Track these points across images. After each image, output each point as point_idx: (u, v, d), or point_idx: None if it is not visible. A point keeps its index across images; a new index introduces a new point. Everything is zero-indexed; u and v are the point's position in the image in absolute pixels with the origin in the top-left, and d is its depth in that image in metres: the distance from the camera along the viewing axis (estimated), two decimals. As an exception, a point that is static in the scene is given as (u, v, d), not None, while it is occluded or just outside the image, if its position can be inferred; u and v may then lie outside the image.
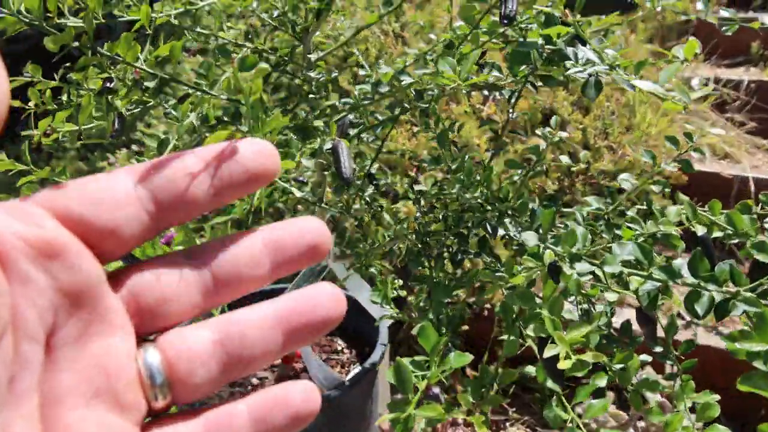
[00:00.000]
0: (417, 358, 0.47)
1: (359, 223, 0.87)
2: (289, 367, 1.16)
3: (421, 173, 1.94)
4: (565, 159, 0.67)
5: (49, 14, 0.47)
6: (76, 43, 0.54)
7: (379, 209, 0.83)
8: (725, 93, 2.33)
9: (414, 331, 0.46)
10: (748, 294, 0.46)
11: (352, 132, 0.83)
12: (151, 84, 0.63)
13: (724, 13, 0.92)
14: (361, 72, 1.08)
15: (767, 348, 0.39)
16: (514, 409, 1.56)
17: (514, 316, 0.53)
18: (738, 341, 0.41)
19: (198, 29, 0.69)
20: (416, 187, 0.77)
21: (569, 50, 0.48)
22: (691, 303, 0.49)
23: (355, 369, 1.19)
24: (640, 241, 0.70)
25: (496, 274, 0.58)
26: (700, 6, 0.96)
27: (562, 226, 0.74)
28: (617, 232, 0.70)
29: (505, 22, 0.48)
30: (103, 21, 0.51)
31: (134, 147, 2.20)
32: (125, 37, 0.50)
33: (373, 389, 1.15)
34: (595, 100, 2.18)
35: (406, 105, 0.75)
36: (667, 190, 0.75)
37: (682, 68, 0.42)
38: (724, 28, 0.91)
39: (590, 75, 0.43)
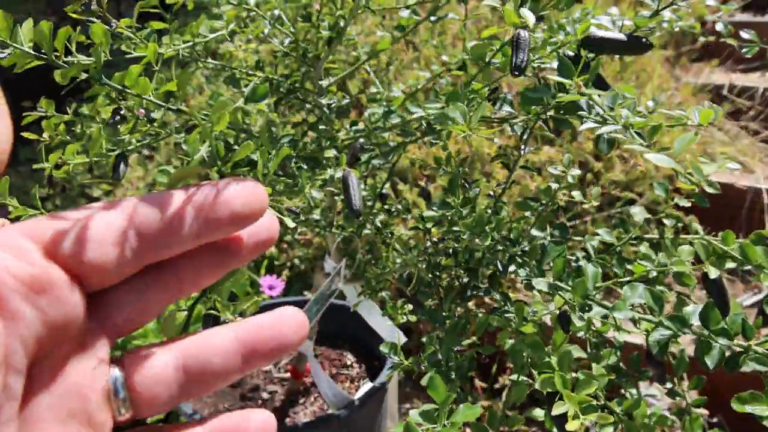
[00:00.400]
0: (426, 407, 0.47)
1: (370, 247, 0.87)
2: (298, 382, 1.16)
3: (431, 182, 1.94)
4: (577, 195, 0.66)
5: (56, 53, 0.48)
6: (85, 75, 0.54)
7: (389, 236, 0.83)
8: (740, 103, 2.31)
9: (423, 382, 0.47)
10: (760, 350, 0.46)
11: (363, 157, 0.83)
12: (158, 115, 0.64)
13: (746, 35, 0.91)
14: (372, 89, 1.08)
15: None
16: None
17: (523, 360, 0.52)
18: (748, 403, 0.41)
19: (208, 60, 0.69)
20: (425, 214, 0.76)
21: (583, 102, 0.48)
22: (702, 354, 0.49)
23: (365, 384, 1.20)
24: (651, 277, 0.70)
25: (506, 315, 0.57)
26: (720, 28, 0.95)
27: (573, 258, 0.74)
28: (628, 267, 0.69)
29: (516, 73, 0.48)
30: (110, 58, 0.51)
31: (145, 152, 2.21)
32: (134, 70, 0.50)
33: (382, 406, 1.16)
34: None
35: (417, 134, 0.75)
36: (680, 224, 0.74)
37: (696, 139, 0.41)
38: (744, 50, 0.91)
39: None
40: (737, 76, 2.51)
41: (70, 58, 0.51)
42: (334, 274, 0.88)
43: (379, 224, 0.86)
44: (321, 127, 0.73)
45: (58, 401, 0.27)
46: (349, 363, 1.26)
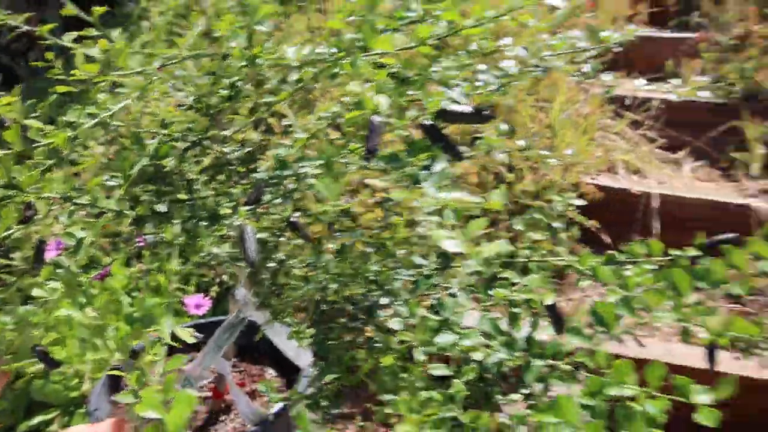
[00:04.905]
0: None
1: (273, 279, 0.96)
2: (219, 400, 1.24)
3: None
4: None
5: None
6: None
7: (291, 269, 0.92)
8: (638, 113, 2.51)
9: (292, 414, 0.56)
10: (566, 367, 0.58)
11: (266, 197, 0.91)
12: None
13: (605, 77, 1.05)
14: (284, 121, 1.17)
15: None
16: None
17: (385, 386, 0.63)
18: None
19: (115, 123, 0.77)
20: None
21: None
22: (523, 372, 0.61)
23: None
24: (511, 300, 0.82)
25: (376, 344, 0.68)
26: (587, 69, 1.08)
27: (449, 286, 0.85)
28: (490, 293, 0.81)
29: (368, 156, 0.58)
30: (22, 150, 0.58)
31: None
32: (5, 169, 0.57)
33: (300, 416, 1.25)
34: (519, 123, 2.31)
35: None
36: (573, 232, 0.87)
37: (484, 224, 0.53)
38: (605, 90, 1.06)
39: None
40: (640, 87, 2.71)
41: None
42: (242, 303, 0.97)
43: (283, 257, 0.95)
44: (220, 177, 0.81)
45: None
46: (269, 377, 1.34)
